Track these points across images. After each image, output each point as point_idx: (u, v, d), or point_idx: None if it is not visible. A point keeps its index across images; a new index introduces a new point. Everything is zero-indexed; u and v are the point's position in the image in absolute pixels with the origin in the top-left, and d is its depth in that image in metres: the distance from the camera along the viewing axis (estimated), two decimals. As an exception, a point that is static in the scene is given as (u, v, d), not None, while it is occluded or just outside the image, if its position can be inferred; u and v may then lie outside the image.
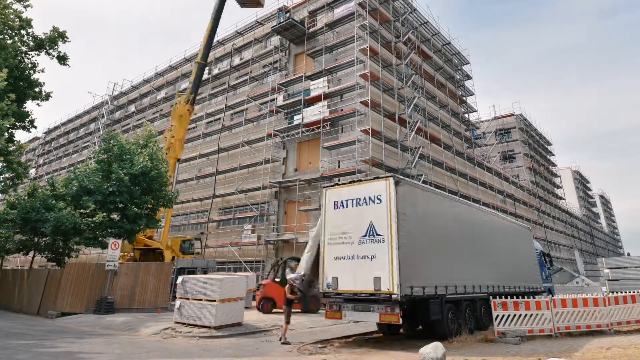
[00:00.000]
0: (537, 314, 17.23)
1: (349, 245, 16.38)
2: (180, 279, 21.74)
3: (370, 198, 16.33)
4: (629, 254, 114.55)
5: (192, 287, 21.18)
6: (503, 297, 17.45)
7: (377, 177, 16.62)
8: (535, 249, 30.30)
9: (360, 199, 16.66)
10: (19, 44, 28.73)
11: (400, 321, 14.99)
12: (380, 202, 15.96)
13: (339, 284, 16.37)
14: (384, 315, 15.15)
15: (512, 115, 79.88)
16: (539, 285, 28.41)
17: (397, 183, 15.89)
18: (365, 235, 16.03)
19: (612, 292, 23.68)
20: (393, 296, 14.68)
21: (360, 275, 15.78)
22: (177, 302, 21.50)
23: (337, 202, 17.35)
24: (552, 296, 18.75)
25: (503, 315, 17.06)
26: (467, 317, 18.67)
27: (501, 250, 24.17)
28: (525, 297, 17.95)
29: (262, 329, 20.62)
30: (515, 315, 17.13)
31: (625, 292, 19.59)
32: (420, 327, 19.32)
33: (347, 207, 17.01)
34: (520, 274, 25.87)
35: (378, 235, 15.65)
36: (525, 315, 17.17)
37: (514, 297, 17.63)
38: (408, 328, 19.73)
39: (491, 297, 17.59)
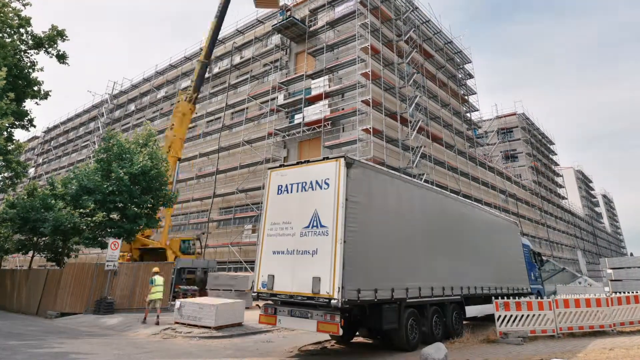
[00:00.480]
0: (539, 315, 17.21)
1: (290, 237, 14.12)
2: (177, 303, 21.72)
3: (317, 182, 14.10)
4: (631, 254, 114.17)
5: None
6: (499, 298, 17.42)
7: (327, 158, 14.42)
8: (523, 247, 28.49)
9: (306, 183, 14.45)
10: (18, 42, 28.73)
11: (340, 332, 12.80)
12: (328, 187, 13.73)
13: (274, 283, 14.06)
14: (322, 323, 13.04)
15: (514, 114, 79.93)
16: (526, 287, 26.67)
17: (348, 165, 13.67)
18: (307, 227, 13.74)
19: (615, 293, 23.64)
20: (332, 301, 12.37)
21: (299, 274, 13.51)
22: (177, 303, 21.53)
23: (282, 185, 15.31)
24: (542, 299, 18.49)
25: (505, 316, 17.06)
26: (433, 324, 16.72)
27: (482, 247, 22.29)
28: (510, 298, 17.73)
29: (263, 330, 20.58)
30: (517, 315, 17.12)
31: (628, 293, 19.56)
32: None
33: (291, 192, 14.88)
34: (504, 274, 24.04)
35: (322, 226, 13.35)
36: (528, 316, 17.16)
37: (498, 299, 17.53)
38: (367, 335, 17.81)
39: (489, 300, 17.50)
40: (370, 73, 38.68)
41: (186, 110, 39.84)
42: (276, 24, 46.49)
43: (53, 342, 16.91)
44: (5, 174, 29.90)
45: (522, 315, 17.12)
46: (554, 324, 17.13)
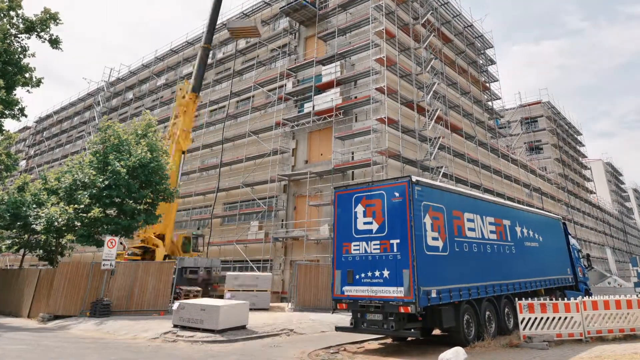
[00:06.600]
0: (566, 317, 17.13)
1: None
2: (176, 304, 21.69)
3: None
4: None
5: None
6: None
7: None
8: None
9: None
10: (7, 26, 28.73)
11: None
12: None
13: None
14: None
15: (539, 102, 79.20)
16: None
17: None
18: None
19: (648, 294, 23.54)
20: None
21: None
22: (176, 304, 21.49)
23: None
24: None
25: (529, 319, 16.98)
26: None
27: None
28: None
29: (270, 333, 20.59)
30: (542, 318, 17.04)
31: (662, 294, 19.44)
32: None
33: None
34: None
35: None
36: (554, 318, 17.08)
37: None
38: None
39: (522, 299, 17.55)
40: (384, 59, 38.45)
41: (186, 103, 39.63)
42: (284, 6, 46.22)
43: (45, 346, 16.95)
44: (-6, 167, 30.04)
45: (548, 318, 17.06)
46: (581, 327, 17.04)
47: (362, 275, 16.33)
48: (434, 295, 15.53)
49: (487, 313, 18.30)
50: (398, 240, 15.72)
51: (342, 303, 17.01)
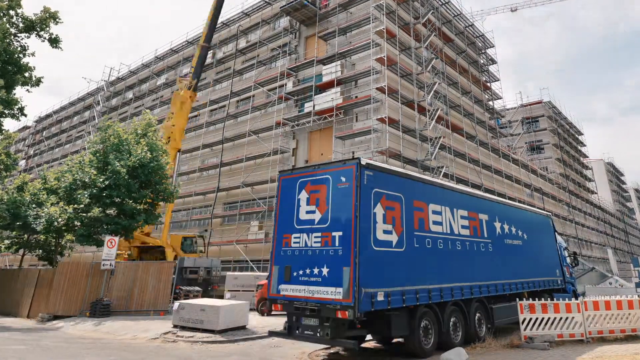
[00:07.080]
0: (567, 317, 17.07)
1: None
2: (176, 304, 21.67)
3: None
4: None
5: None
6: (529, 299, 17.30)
7: None
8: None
9: None
10: (7, 25, 28.66)
11: None
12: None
13: None
14: None
15: (540, 102, 79.08)
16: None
17: None
18: None
19: (649, 294, 23.49)
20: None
21: None
22: (176, 304, 21.46)
23: None
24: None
25: (530, 319, 16.93)
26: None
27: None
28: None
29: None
30: (543, 318, 17.00)
31: (664, 294, 19.40)
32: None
33: None
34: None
35: None
36: (554, 319, 17.02)
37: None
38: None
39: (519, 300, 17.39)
40: (385, 58, 38.50)
41: (185, 98, 39.84)
42: (284, 5, 46.23)
43: (44, 347, 16.94)
44: (-7, 167, 29.97)
45: (549, 318, 17.01)
46: (582, 328, 16.98)
47: (300, 272, 14.71)
48: (380, 298, 13.75)
49: (453, 319, 16.70)
50: (340, 233, 14.07)
51: (277, 304, 15.27)
